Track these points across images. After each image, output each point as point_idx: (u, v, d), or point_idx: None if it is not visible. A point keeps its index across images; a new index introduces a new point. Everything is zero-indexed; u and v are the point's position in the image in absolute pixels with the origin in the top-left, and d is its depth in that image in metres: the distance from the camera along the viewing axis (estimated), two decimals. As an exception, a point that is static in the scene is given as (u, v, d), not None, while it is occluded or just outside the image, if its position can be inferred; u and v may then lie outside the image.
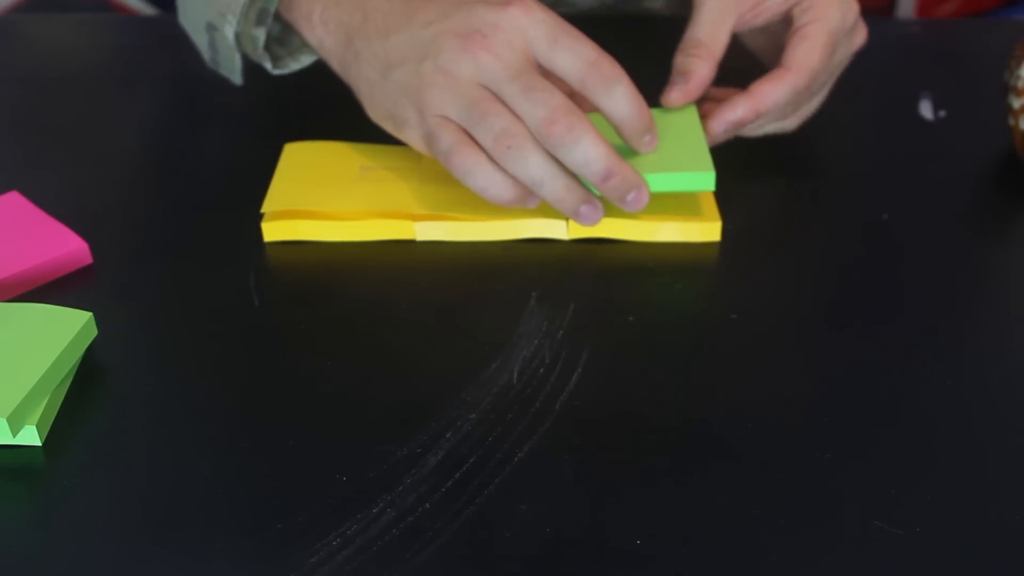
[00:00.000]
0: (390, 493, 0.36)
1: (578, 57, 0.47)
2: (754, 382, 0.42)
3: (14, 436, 0.38)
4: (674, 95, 0.53)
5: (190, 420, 0.40)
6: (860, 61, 0.59)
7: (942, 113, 0.64)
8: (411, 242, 0.51)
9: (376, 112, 0.52)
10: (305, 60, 0.57)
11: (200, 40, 0.60)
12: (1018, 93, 0.55)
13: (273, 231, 0.51)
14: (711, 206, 0.52)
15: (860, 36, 0.57)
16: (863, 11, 0.57)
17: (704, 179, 0.49)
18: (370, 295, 0.47)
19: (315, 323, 0.45)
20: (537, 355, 0.43)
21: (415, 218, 0.51)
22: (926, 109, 0.64)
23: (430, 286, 0.48)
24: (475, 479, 0.37)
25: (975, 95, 0.65)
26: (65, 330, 0.41)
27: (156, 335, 0.45)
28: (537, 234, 0.51)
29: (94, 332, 0.43)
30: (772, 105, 0.53)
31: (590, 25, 0.52)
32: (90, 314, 0.42)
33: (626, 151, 0.50)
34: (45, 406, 0.39)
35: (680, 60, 0.54)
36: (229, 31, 0.55)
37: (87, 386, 0.42)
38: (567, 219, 0.50)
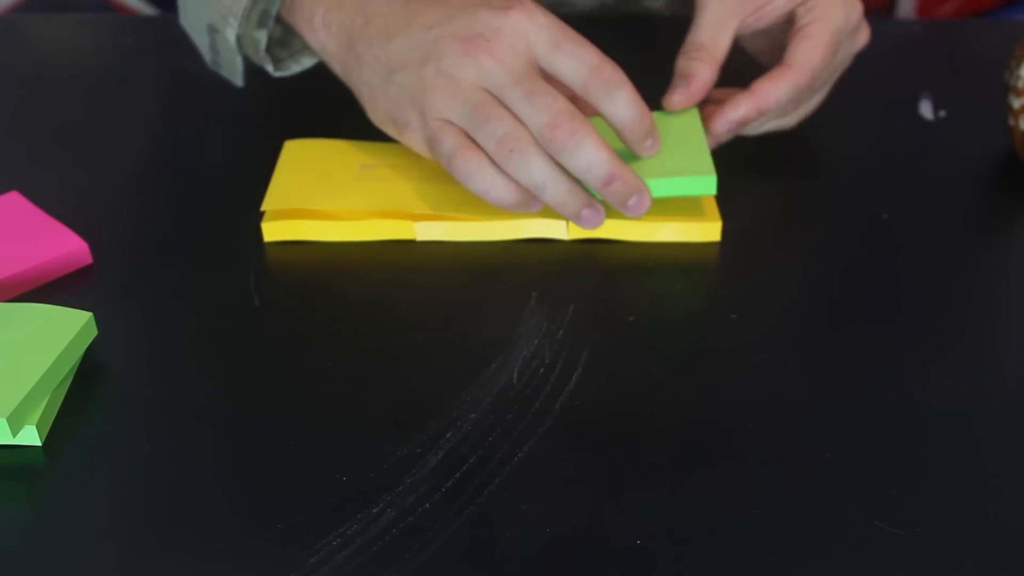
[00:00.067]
0: (390, 493, 0.36)
1: (580, 62, 0.47)
2: (754, 382, 0.42)
3: (14, 436, 0.38)
4: (676, 97, 0.53)
5: (190, 420, 0.40)
6: (860, 61, 0.59)
7: (942, 113, 0.64)
8: (411, 242, 0.51)
9: (378, 116, 0.52)
10: (306, 62, 0.57)
11: (201, 42, 0.60)
12: (1018, 93, 0.55)
13: (273, 231, 0.51)
14: (711, 206, 0.52)
15: (863, 36, 0.57)
16: (864, 11, 0.57)
17: (706, 183, 0.49)
18: (370, 295, 0.47)
19: (315, 323, 0.45)
20: (537, 355, 0.43)
21: (415, 218, 0.51)
22: (926, 109, 0.64)
23: (430, 286, 0.48)
24: (475, 479, 0.37)
25: (975, 95, 0.65)
26: (65, 330, 0.41)
27: (156, 335, 0.45)
28: (537, 234, 0.51)
29: (94, 332, 0.43)
30: (774, 103, 0.53)
31: (590, 26, 0.52)
32: (90, 314, 0.42)
33: (628, 155, 0.50)
34: (45, 406, 0.39)
35: (682, 63, 0.54)
36: (230, 33, 0.55)
37: (87, 386, 0.42)
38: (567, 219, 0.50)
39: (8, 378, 0.38)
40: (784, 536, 0.35)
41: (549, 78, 0.47)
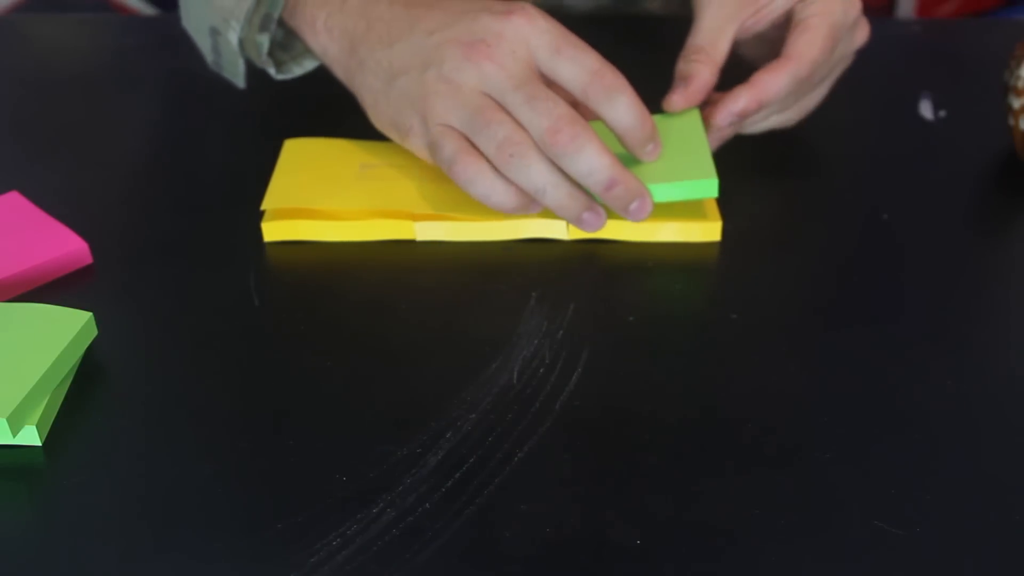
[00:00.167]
0: (390, 493, 0.36)
1: (580, 67, 0.47)
2: (754, 382, 0.42)
3: (14, 436, 0.38)
4: (676, 98, 0.53)
5: (190, 420, 0.40)
6: (860, 61, 0.59)
7: (942, 113, 0.64)
8: (411, 242, 0.51)
9: (380, 120, 0.52)
10: (308, 65, 0.57)
11: (203, 43, 0.60)
12: (1018, 93, 0.55)
13: (273, 231, 0.51)
14: (711, 206, 0.52)
15: (862, 33, 0.57)
16: (864, 11, 0.57)
17: (708, 186, 0.49)
18: (370, 295, 0.47)
19: (315, 323, 0.45)
20: (537, 355, 0.43)
21: (415, 218, 0.51)
22: (926, 109, 0.64)
23: (430, 286, 0.48)
24: (475, 479, 0.37)
25: (975, 95, 0.65)
26: (65, 330, 0.41)
27: (156, 335, 0.45)
28: (537, 234, 0.51)
29: (94, 332, 0.43)
30: (774, 94, 0.52)
31: (591, 25, 0.52)
32: (90, 314, 0.42)
33: (629, 159, 0.50)
34: (45, 406, 0.39)
35: (681, 66, 0.54)
36: (233, 36, 0.55)
37: (87, 386, 0.42)
38: (567, 219, 0.51)
39: (8, 378, 0.38)
40: (784, 536, 0.35)
41: (550, 83, 0.47)
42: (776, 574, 0.34)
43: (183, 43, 0.65)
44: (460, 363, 0.43)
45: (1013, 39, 0.61)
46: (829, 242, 0.51)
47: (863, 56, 0.59)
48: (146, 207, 0.55)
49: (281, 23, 0.55)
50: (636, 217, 0.48)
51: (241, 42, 0.56)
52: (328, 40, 0.52)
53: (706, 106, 0.55)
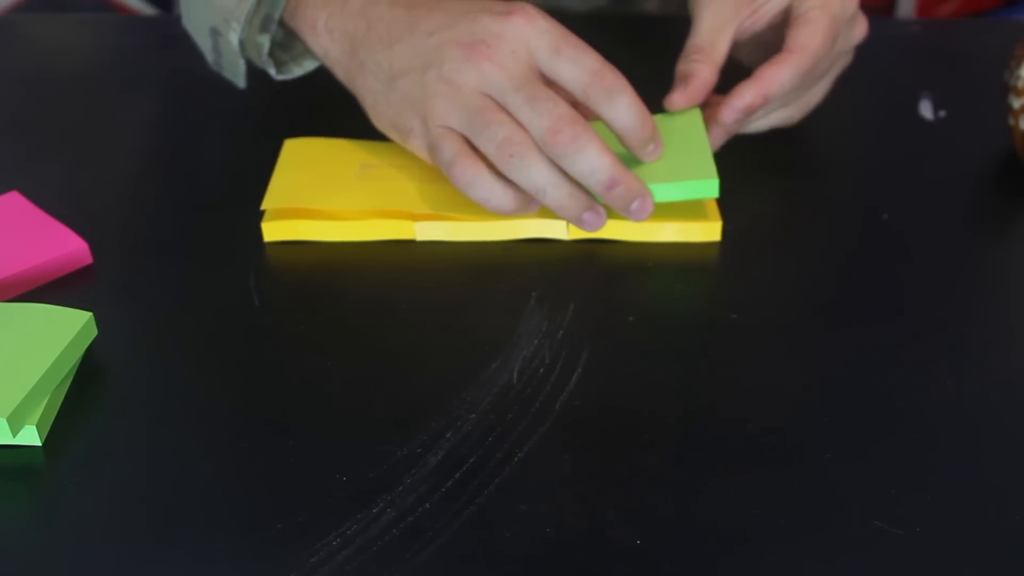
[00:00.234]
0: (390, 493, 0.36)
1: (581, 67, 0.47)
2: (754, 382, 0.42)
3: (14, 436, 0.38)
4: (676, 97, 0.53)
5: (190, 420, 0.40)
6: (860, 61, 0.59)
7: (942, 113, 0.64)
8: (411, 242, 0.51)
9: (381, 122, 0.52)
10: (308, 65, 0.57)
11: (204, 43, 0.60)
12: (1018, 93, 0.55)
13: (273, 231, 0.51)
14: (712, 206, 0.52)
15: (860, 28, 0.57)
16: (864, 11, 0.57)
17: (708, 187, 0.49)
18: (370, 295, 0.47)
19: (315, 323, 0.45)
20: (537, 355, 0.43)
21: (415, 218, 0.51)
22: (926, 109, 0.64)
23: (430, 286, 0.48)
24: (475, 479, 0.37)
25: (975, 95, 0.65)
26: (65, 330, 0.41)
27: (156, 335, 0.45)
28: (537, 234, 0.51)
29: (94, 332, 0.43)
30: (779, 88, 0.53)
31: (586, 27, 0.52)
32: (90, 314, 0.42)
33: (630, 160, 0.50)
34: (45, 406, 0.39)
35: (682, 66, 0.54)
36: (233, 37, 0.55)
37: (87, 386, 0.42)
38: (567, 219, 0.51)
39: (8, 378, 0.38)
40: (784, 536, 0.35)
41: (551, 83, 0.47)
42: (776, 574, 0.34)
43: (183, 43, 0.65)
44: (460, 363, 0.43)
45: (1013, 39, 0.61)
46: (829, 242, 0.51)
47: (863, 56, 0.59)
48: (146, 207, 0.55)
49: (282, 24, 0.55)
50: (637, 217, 0.48)
51: (241, 43, 0.56)
52: (329, 41, 0.52)
53: (706, 107, 0.55)
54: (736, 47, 0.56)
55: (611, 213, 0.49)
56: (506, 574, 0.33)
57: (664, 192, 0.49)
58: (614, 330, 0.45)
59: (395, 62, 0.49)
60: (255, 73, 0.59)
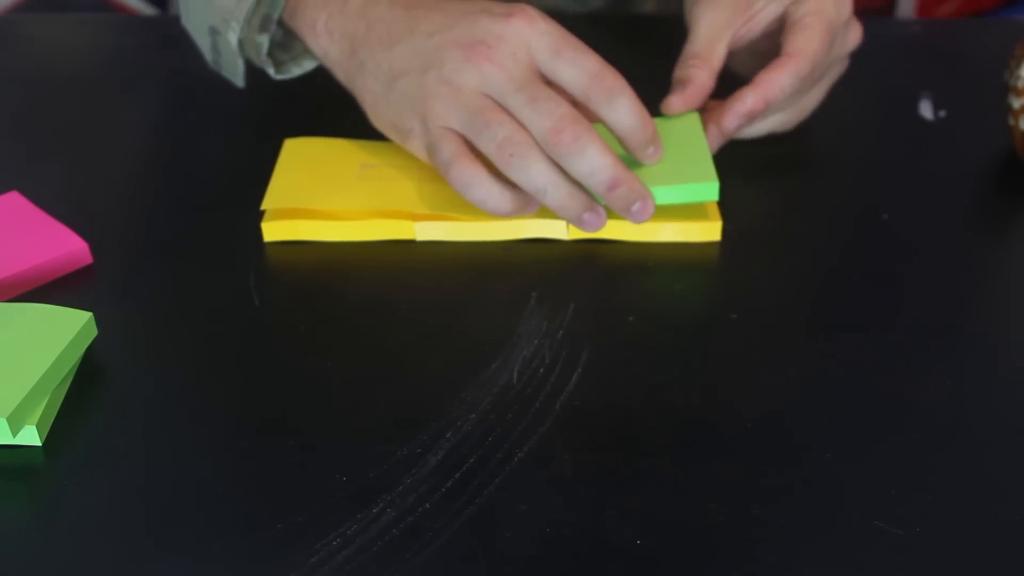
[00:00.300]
0: (390, 493, 0.36)
1: (581, 69, 0.47)
2: (754, 382, 0.42)
3: (14, 436, 0.38)
4: (674, 100, 0.53)
5: (190, 420, 0.40)
6: (860, 61, 0.59)
7: (942, 113, 0.64)
8: (411, 242, 0.51)
9: (381, 123, 0.52)
10: (307, 65, 0.57)
11: (203, 42, 0.60)
12: (1018, 93, 0.55)
13: (273, 231, 0.51)
14: (712, 206, 0.52)
15: (855, 34, 0.57)
16: (863, 11, 0.57)
17: (708, 189, 0.49)
18: (370, 295, 0.47)
19: (315, 323, 0.45)
20: (537, 355, 0.43)
21: (415, 218, 0.51)
22: (926, 109, 0.64)
23: (430, 286, 0.48)
24: (475, 479, 0.37)
25: (975, 95, 0.65)
26: (65, 330, 0.41)
27: (156, 335, 0.45)
28: (537, 234, 0.51)
29: (94, 332, 0.43)
30: (779, 92, 0.53)
31: (583, 28, 0.52)
32: (90, 314, 0.42)
33: (630, 162, 0.50)
34: (45, 406, 0.39)
35: (679, 72, 0.55)
36: (232, 37, 0.55)
37: (87, 386, 0.42)
38: (567, 219, 0.51)
39: (8, 378, 0.38)
40: (784, 536, 0.35)
41: (550, 84, 0.47)
42: (776, 574, 0.33)
43: (183, 43, 0.65)
44: (460, 363, 0.43)
45: (1013, 39, 0.61)
46: (829, 242, 0.51)
47: (863, 56, 0.59)
48: (146, 207, 0.55)
49: (281, 23, 0.55)
50: (638, 219, 0.48)
51: (240, 42, 0.56)
52: (328, 42, 0.52)
53: (703, 112, 0.55)
54: (731, 56, 0.57)
55: (611, 213, 0.49)
56: (506, 574, 0.33)
57: (664, 195, 0.49)
58: (614, 330, 0.45)
59: (395, 63, 0.49)
60: (255, 73, 0.59)
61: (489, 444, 0.38)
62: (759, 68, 0.54)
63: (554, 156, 0.46)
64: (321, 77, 0.56)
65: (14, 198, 0.53)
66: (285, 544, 0.34)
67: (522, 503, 0.36)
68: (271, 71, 0.57)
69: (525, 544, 0.34)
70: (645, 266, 0.49)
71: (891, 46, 0.75)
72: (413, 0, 0.50)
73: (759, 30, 0.56)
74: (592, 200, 0.48)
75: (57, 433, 0.39)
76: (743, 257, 0.50)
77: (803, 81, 0.53)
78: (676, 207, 0.51)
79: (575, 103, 0.48)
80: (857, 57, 0.59)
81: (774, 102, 0.53)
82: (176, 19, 0.65)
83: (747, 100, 0.53)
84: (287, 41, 0.57)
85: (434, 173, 0.52)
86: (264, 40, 0.55)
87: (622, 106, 0.47)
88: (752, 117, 0.53)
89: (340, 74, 0.53)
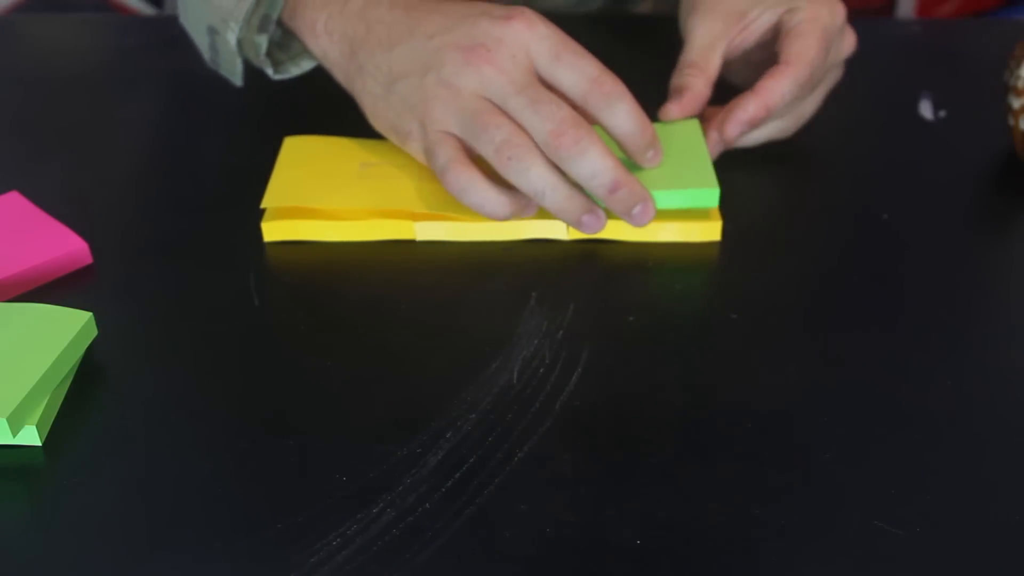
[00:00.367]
0: (390, 493, 0.36)
1: (580, 74, 0.47)
2: (754, 382, 0.42)
3: (14, 436, 0.38)
4: (671, 107, 0.54)
5: (190, 420, 0.40)
6: (860, 61, 0.59)
7: (942, 113, 0.64)
8: (411, 242, 0.51)
9: (380, 125, 0.52)
10: (306, 65, 0.57)
11: (201, 41, 0.60)
12: (1018, 93, 0.55)
13: (273, 231, 0.51)
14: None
15: (849, 41, 0.57)
16: (863, 11, 0.57)
17: (708, 196, 0.49)
18: (370, 295, 0.47)
19: (315, 323, 0.45)
20: (537, 355, 0.43)
21: (415, 218, 0.51)
22: (926, 109, 0.64)
23: (430, 286, 0.48)
24: (475, 479, 0.37)
25: (975, 95, 0.65)
26: (65, 330, 0.41)
27: (156, 335, 0.45)
28: (537, 235, 0.51)
29: (94, 332, 0.43)
30: (779, 99, 0.53)
31: (582, 29, 0.52)
32: (90, 314, 0.42)
33: (630, 167, 0.50)
34: (45, 406, 0.39)
35: (676, 80, 0.55)
36: (231, 37, 0.55)
37: (87, 386, 0.42)
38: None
39: (8, 378, 0.38)
40: (784, 536, 0.35)
41: (549, 88, 0.47)
42: (776, 574, 0.34)
43: (183, 43, 0.65)
44: (460, 363, 0.43)
45: (1013, 39, 0.61)
46: (829, 242, 0.51)
47: (863, 56, 0.59)
48: (146, 207, 0.55)
49: (279, 23, 0.55)
50: (639, 222, 0.48)
51: (239, 42, 0.56)
52: (328, 43, 0.52)
53: (701, 120, 0.55)
54: (726, 66, 0.57)
55: (610, 213, 0.49)
56: (506, 574, 0.33)
57: (664, 199, 0.49)
58: (614, 330, 0.45)
59: (394, 65, 0.49)
60: (255, 73, 0.59)
61: (489, 444, 0.38)
62: (754, 78, 0.54)
63: (555, 159, 0.46)
64: (320, 77, 0.56)
65: (14, 198, 0.53)
66: (285, 544, 0.34)
67: (522, 503, 0.36)
68: (269, 71, 0.57)
69: (525, 544, 0.34)
70: (645, 266, 0.49)
71: (891, 46, 0.75)
72: (413, 2, 0.50)
73: (753, 39, 0.57)
74: (591, 202, 0.48)
75: (57, 433, 0.39)
76: (743, 257, 0.50)
77: (802, 87, 0.54)
78: (675, 208, 0.51)
79: (575, 108, 0.48)
80: (857, 57, 0.59)
81: (775, 109, 0.53)
82: (176, 19, 0.65)
83: (748, 108, 0.53)
84: (285, 41, 0.57)
85: (434, 173, 0.52)
86: (263, 40, 0.55)
87: (621, 111, 0.47)
88: (753, 124, 0.53)
89: (340, 75, 0.53)
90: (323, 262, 0.50)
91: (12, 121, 0.65)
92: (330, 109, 0.58)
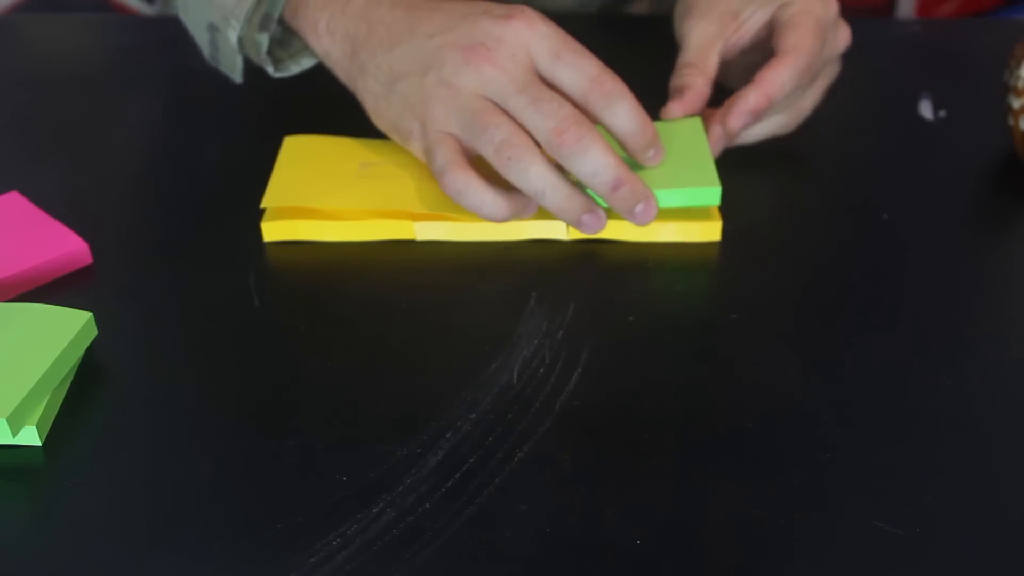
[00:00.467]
0: (390, 493, 0.36)
1: (580, 73, 0.47)
2: (754, 382, 0.42)
3: (14, 436, 0.38)
4: (673, 106, 0.54)
5: (190, 420, 0.40)
6: (860, 61, 0.59)
7: (942, 113, 0.64)
8: (411, 242, 0.51)
9: (382, 124, 0.52)
10: (306, 63, 0.58)
11: (201, 38, 0.60)
12: (1018, 93, 0.55)
13: (273, 231, 0.51)
14: (712, 206, 0.52)
15: (844, 35, 0.58)
16: (863, 11, 0.57)
17: (710, 194, 0.49)
18: (370, 295, 0.47)
19: (315, 323, 0.45)
20: (537, 355, 0.43)
21: (415, 218, 0.51)
22: (926, 109, 0.64)
23: (430, 286, 0.48)
24: (475, 479, 0.37)
25: (975, 95, 0.65)
26: (65, 330, 0.41)
27: (156, 335, 0.45)
28: (537, 235, 0.51)
29: (94, 332, 0.43)
30: (780, 88, 0.53)
31: (580, 28, 0.52)
32: (90, 314, 0.42)
33: (631, 166, 0.50)
34: (45, 406, 0.39)
35: (675, 81, 0.55)
36: (232, 35, 0.55)
37: (87, 386, 0.42)
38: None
39: (8, 378, 0.38)
40: (784, 536, 0.35)
41: (550, 87, 0.47)
42: (776, 573, 0.33)
43: (183, 43, 0.65)
44: (460, 363, 0.43)
45: (1013, 39, 0.61)
46: (829, 242, 0.51)
47: (863, 56, 0.59)
48: (146, 207, 0.55)
49: (280, 21, 0.55)
50: (641, 220, 0.48)
51: (240, 40, 0.56)
52: (330, 43, 0.52)
53: (703, 120, 0.55)
54: (723, 67, 0.57)
55: (611, 213, 0.49)
56: (506, 574, 0.33)
57: (666, 198, 0.49)
58: (614, 330, 0.45)
59: (395, 64, 0.49)
60: (254, 73, 0.59)
61: (489, 444, 0.38)
62: (750, 79, 0.54)
63: (557, 157, 0.46)
64: (321, 76, 0.56)
65: (14, 198, 0.53)
66: (285, 544, 0.34)
67: (522, 503, 0.36)
68: (270, 69, 0.57)
69: (525, 544, 0.34)
70: (645, 266, 0.49)
71: (891, 46, 0.75)
72: (414, 2, 0.50)
73: (748, 38, 0.57)
74: (591, 202, 0.48)
75: (57, 433, 0.39)
76: (743, 257, 0.50)
77: (801, 76, 0.54)
78: (676, 207, 0.51)
79: (576, 106, 0.48)
80: (857, 57, 0.59)
81: (776, 99, 0.53)
82: (176, 19, 0.65)
83: (750, 98, 0.53)
84: (286, 39, 0.57)
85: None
86: (264, 39, 0.55)
87: (622, 110, 0.47)
88: (756, 115, 0.53)
89: (341, 75, 0.53)
90: (323, 262, 0.50)
91: (12, 121, 0.65)
92: (330, 108, 0.58)
